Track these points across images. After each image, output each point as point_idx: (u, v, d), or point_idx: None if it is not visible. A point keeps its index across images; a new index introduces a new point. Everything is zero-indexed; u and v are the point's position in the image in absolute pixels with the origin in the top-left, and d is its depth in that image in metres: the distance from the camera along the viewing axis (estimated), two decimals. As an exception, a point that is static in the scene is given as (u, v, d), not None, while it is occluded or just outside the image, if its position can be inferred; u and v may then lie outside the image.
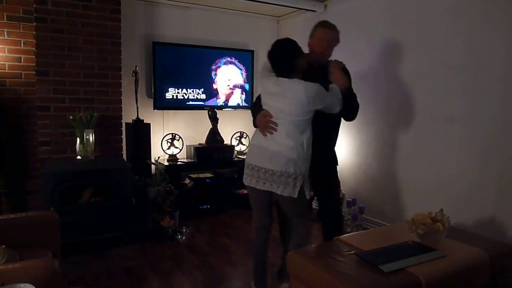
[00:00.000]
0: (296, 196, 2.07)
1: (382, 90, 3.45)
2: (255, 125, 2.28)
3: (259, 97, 2.33)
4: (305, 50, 2.28)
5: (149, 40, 4.05)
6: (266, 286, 2.37)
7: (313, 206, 3.62)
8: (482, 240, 2.14)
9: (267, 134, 2.14)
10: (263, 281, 2.37)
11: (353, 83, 2.36)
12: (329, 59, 2.39)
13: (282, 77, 2.14)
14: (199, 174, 4.11)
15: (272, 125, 2.12)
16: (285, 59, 2.13)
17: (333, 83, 2.23)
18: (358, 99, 2.39)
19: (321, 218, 2.59)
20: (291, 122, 2.08)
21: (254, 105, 2.49)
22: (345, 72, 2.34)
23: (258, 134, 2.23)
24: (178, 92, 4.19)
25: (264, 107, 2.22)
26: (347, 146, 3.84)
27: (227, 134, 4.46)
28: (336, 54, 2.43)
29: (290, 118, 2.08)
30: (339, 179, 3.69)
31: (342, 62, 2.37)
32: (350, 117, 2.44)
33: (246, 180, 2.25)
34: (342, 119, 2.46)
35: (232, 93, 4.53)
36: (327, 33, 2.34)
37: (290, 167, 2.05)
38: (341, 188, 3.81)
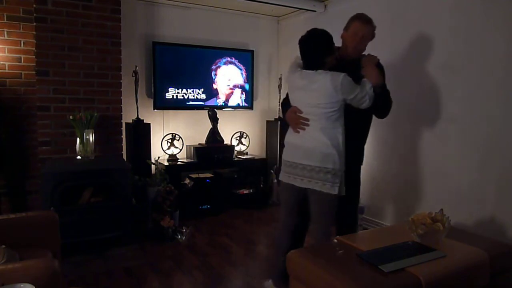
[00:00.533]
0: (336, 192, 2.03)
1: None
2: (284, 122, 2.24)
3: (288, 94, 2.28)
4: (337, 42, 2.22)
5: (149, 40, 4.05)
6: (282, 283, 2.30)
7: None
8: (482, 240, 2.13)
9: (300, 130, 2.11)
10: (280, 276, 2.29)
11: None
12: (363, 53, 2.29)
13: (308, 69, 2.10)
14: (199, 174, 4.11)
15: (303, 121, 2.08)
16: (315, 50, 2.08)
17: (365, 78, 2.14)
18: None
19: (337, 221, 2.46)
20: (321, 115, 2.04)
21: (284, 101, 2.40)
22: (379, 67, 2.23)
23: (291, 131, 2.19)
24: (178, 92, 4.19)
25: (292, 103, 2.18)
26: (347, 146, 3.84)
27: (227, 134, 4.46)
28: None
29: (319, 111, 2.04)
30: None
31: (376, 57, 2.26)
32: (382, 115, 2.32)
33: (284, 177, 2.22)
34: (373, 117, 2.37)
35: (232, 93, 4.52)
36: (362, 28, 2.21)
37: (328, 163, 2.02)
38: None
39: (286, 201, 2.30)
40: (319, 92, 2.04)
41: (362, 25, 2.23)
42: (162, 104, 4.11)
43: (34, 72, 3.34)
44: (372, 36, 2.27)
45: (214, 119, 4.24)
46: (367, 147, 3.59)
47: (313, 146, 2.05)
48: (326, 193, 2.05)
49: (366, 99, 2.07)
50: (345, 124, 2.11)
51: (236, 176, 4.32)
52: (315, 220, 2.20)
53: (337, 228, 2.49)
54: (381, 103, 2.19)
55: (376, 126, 3.51)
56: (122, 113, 3.63)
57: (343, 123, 2.08)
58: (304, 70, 2.12)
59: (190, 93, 4.26)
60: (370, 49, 2.30)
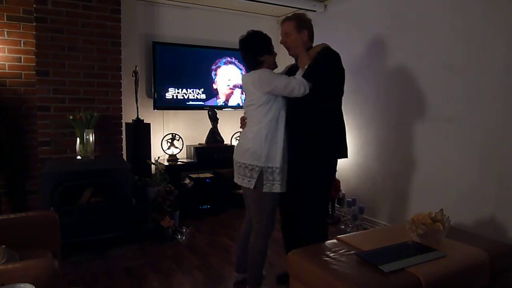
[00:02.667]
0: (252, 187, 2.14)
1: (382, 90, 3.45)
2: None
3: None
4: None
5: (149, 40, 4.05)
6: (244, 270, 2.42)
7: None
8: (482, 240, 2.14)
9: (243, 129, 2.30)
10: (242, 266, 2.44)
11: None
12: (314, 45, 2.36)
13: (248, 70, 2.24)
14: (199, 174, 4.11)
15: (243, 121, 2.29)
16: (251, 50, 2.18)
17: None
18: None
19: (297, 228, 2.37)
20: (252, 113, 2.18)
21: None
22: (324, 55, 2.20)
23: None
24: (178, 92, 4.19)
25: None
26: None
27: (227, 134, 4.46)
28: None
29: (250, 109, 2.19)
30: (337, 178, 3.62)
31: (321, 44, 2.28)
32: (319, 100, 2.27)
33: (235, 177, 2.35)
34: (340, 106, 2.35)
35: (232, 93, 4.53)
36: (282, 29, 2.36)
37: (248, 159, 2.15)
38: (341, 188, 3.82)
39: (244, 195, 2.40)
40: (247, 92, 2.23)
41: (281, 27, 2.39)
42: (162, 104, 4.11)
43: (34, 72, 3.34)
44: (298, 26, 2.27)
45: (214, 119, 4.24)
46: (368, 148, 3.62)
47: (242, 143, 2.22)
48: (249, 189, 2.16)
49: (293, 87, 2.06)
50: (298, 119, 2.21)
51: (236, 176, 4.32)
52: (253, 215, 2.28)
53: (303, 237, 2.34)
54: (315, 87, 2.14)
55: (376, 126, 3.53)
56: (122, 113, 3.63)
57: (273, 117, 2.13)
58: (245, 73, 2.28)
59: (190, 93, 4.26)
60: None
